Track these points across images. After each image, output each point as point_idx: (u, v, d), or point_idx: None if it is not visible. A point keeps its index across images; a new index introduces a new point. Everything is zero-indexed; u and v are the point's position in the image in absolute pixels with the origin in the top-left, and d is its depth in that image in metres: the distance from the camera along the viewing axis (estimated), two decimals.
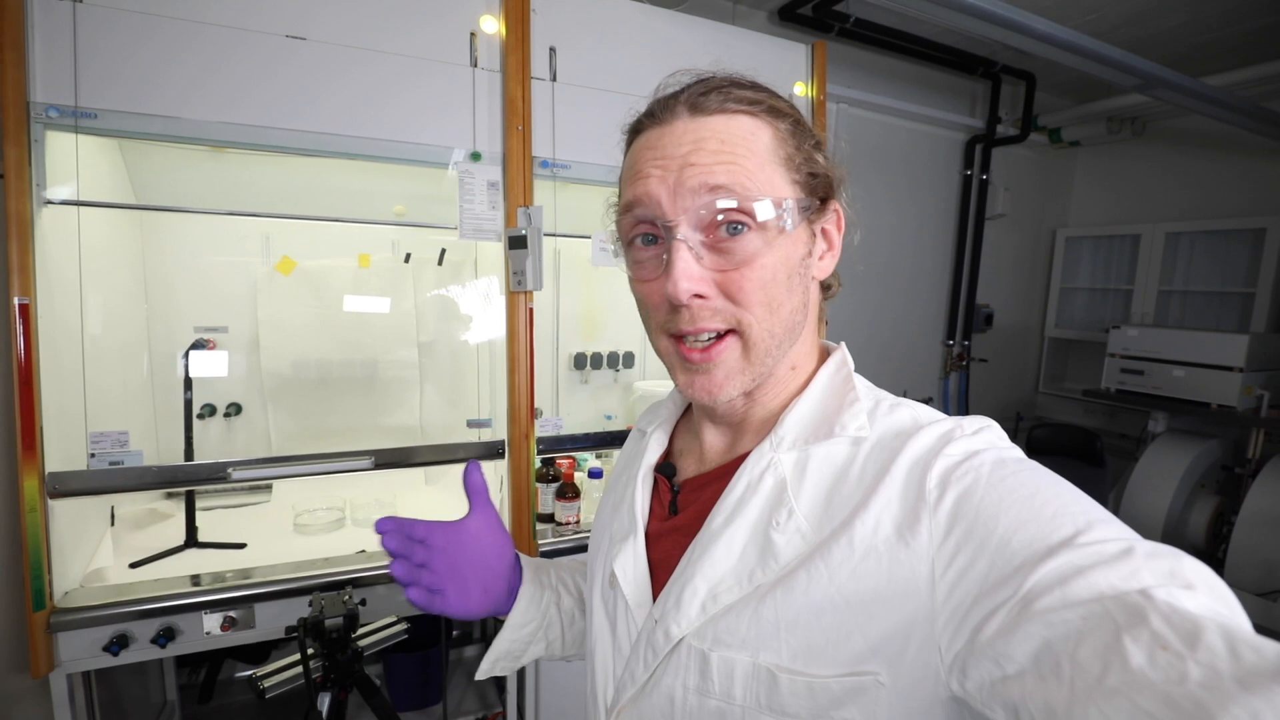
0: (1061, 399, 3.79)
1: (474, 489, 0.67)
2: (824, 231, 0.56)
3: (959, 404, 3.40)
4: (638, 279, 0.54)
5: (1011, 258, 3.62)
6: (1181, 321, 3.34)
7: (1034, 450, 2.75)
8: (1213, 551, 2.63)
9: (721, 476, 0.56)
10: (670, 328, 0.52)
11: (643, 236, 0.53)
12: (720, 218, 0.49)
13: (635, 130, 0.55)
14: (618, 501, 0.65)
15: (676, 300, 0.49)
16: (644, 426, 0.70)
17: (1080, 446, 2.61)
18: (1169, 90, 2.07)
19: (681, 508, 0.59)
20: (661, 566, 0.57)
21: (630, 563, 0.58)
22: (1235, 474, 2.79)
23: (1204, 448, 2.70)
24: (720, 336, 0.51)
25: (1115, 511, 2.73)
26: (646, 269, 0.53)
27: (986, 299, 3.44)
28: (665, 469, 0.62)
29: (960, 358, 3.38)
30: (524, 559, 0.72)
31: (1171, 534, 2.64)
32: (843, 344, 0.60)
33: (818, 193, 0.53)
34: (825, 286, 0.59)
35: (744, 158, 0.49)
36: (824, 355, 0.60)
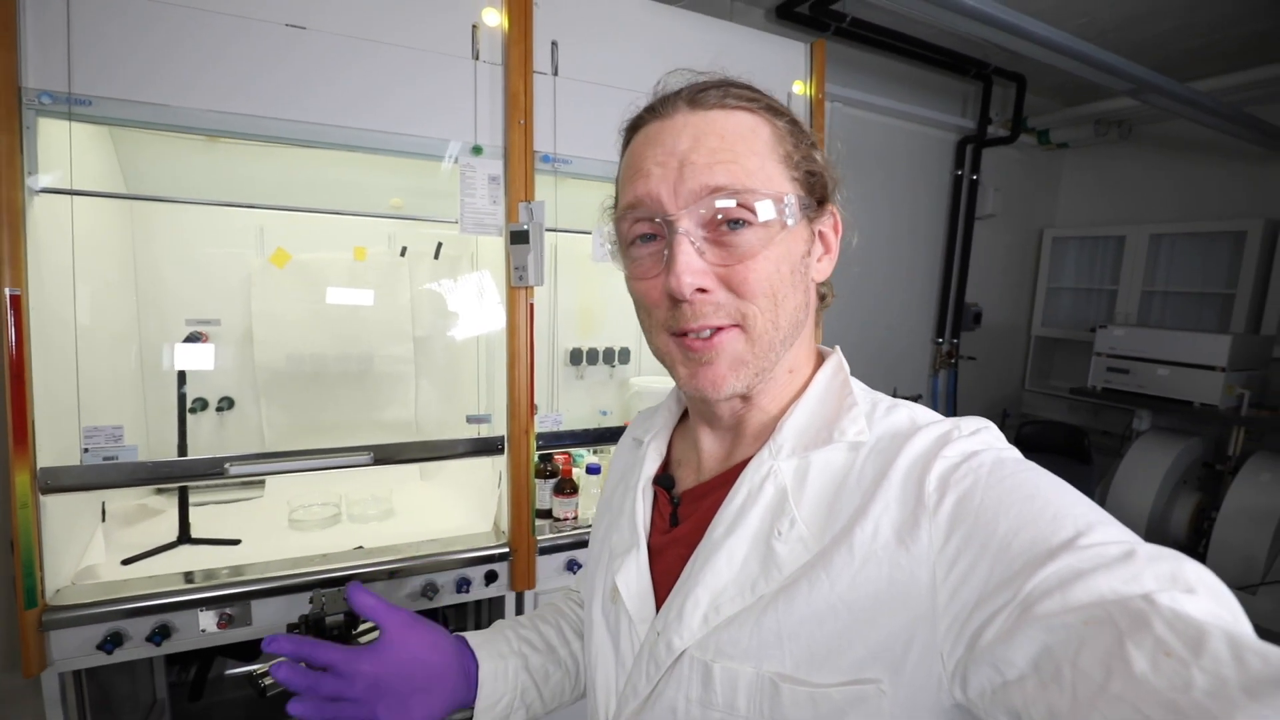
0: (1047, 396, 3.86)
1: (369, 610, 0.61)
2: (821, 234, 0.55)
3: (948, 401, 3.45)
4: (636, 277, 0.53)
5: (1000, 257, 3.68)
6: (1163, 321, 3.41)
7: (1023, 447, 2.75)
8: (1194, 546, 2.70)
9: (721, 486, 0.56)
10: (672, 325, 0.51)
11: (642, 236, 0.52)
12: (720, 215, 0.49)
13: (634, 126, 0.55)
14: (617, 514, 0.64)
15: (679, 294, 0.48)
16: (639, 435, 0.68)
17: (1068, 444, 2.66)
18: (1159, 95, 2.11)
19: (682, 519, 0.58)
20: (664, 579, 0.56)
21: (633, 576, 0.57)
22: (1216, 471, 2.86)
23: (1186, 445, 2.76)
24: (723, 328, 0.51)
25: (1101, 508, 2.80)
26: (645, 266, 0.52)
27: (976, 298, 3.48)
28: (663, 481, 0.61)
29: (949, 355, 3.42)
30: (472, 637, 0.68)
31: (1155, 529, 2.70)
32: (838, 348, 0.60)
33: (816, 193, 0.53)
34: (820, 296, 0.59)
35: (744, 155, 0.49)
36: (819, 360, 0.59)
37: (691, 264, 0.48)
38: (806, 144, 0.53)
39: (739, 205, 0.48)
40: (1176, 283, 3.37)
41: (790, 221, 0.50)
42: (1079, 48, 1.70)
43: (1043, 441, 2.74)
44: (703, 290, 0.49)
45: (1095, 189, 3.74)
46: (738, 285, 0.49)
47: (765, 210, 0.48)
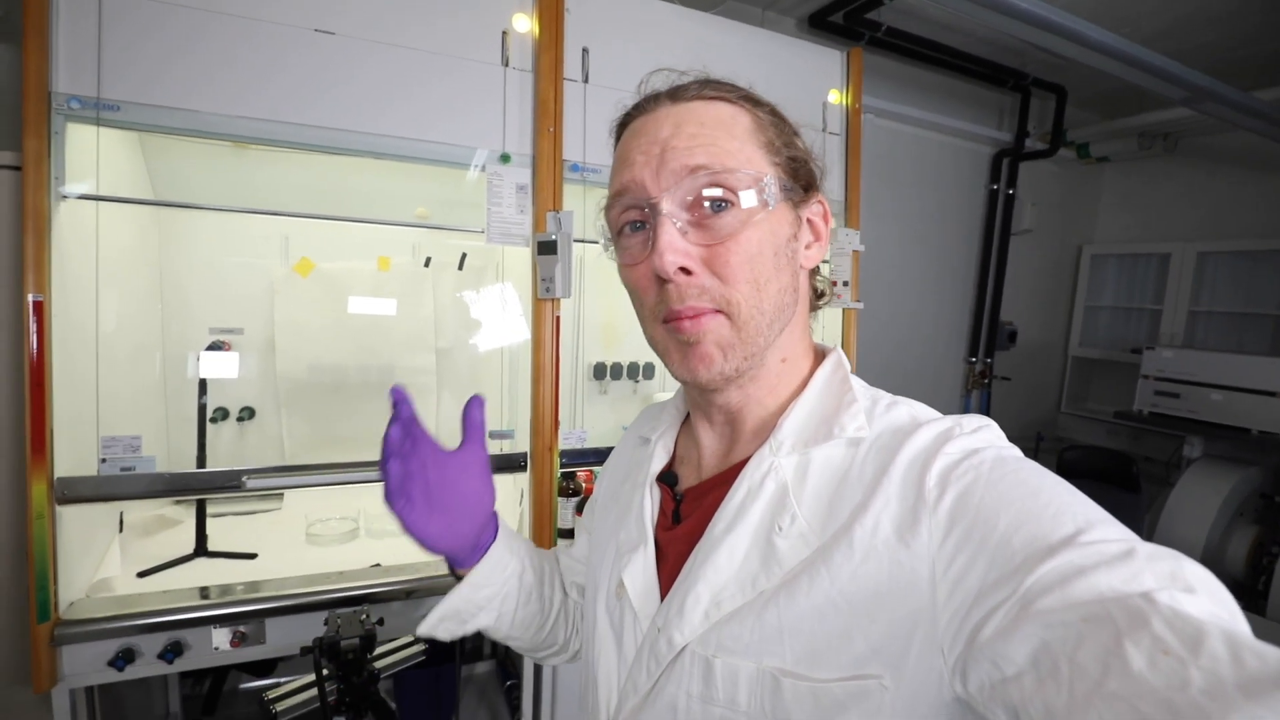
0: (1084, 419, 3.70)
1: (470, 424, 0.63)
2: (809, 221, 0.56)
3: None
4: (626, 264, 0.55)
5: (1036, 274, 3.55)
6: (1208, 343, 3.25)
7: (1066, 473, 2.63)
8: (1253, 584, 2.53)
9: (722, 483, 0.56)
10: (660, 310, 0.52)
11: (631, 224, 0.54)
12: (703, 194, 0.50)
13: (622, 124, 0.57)
14: (624, 511, 0.64)
15: (663, 273, 0.49)
16: (646, 434, 0.69)
17: (1115, 471, 2.52)
18: (1217, 104, 2.00)
19: (684, 516, 0.59)
20: (668, 576, 0.57)
21: (639, 573, 0.58)
22: (1276, 503, 2.69)
23: (1243, 475, 2.60)
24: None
25: (1150, 539, 2.66)
26: (634, 253, 0.53)
27: (1010, 316, 3.36)
28: (667, 478, 0.62)
29: (982, 375, 3.30)
30: (502, 522, 0.69)
31: (1209, 562, 2.54)
32: (838, 346, 0.60)
33: (800, 179, 0.54)
34: (819, 294, 0.60)
35: (723, 139, 0.50)
36: (819, 358, 0.60)
37: (674, 243, 0.49)
38: (789, 132, 0.55)
39: (718, 184, 0.49)
40: (1221, 303, 3.21)
41: (771, 203, 0.51)
42: (1138, 54, 1.62)
43: (1088, 468, 2.60)
44: (687, 271, 0.50)
45: (1137, 205, 3.60)
46: (720, 267, 0.50)
47: (744, 189, 0.49)
